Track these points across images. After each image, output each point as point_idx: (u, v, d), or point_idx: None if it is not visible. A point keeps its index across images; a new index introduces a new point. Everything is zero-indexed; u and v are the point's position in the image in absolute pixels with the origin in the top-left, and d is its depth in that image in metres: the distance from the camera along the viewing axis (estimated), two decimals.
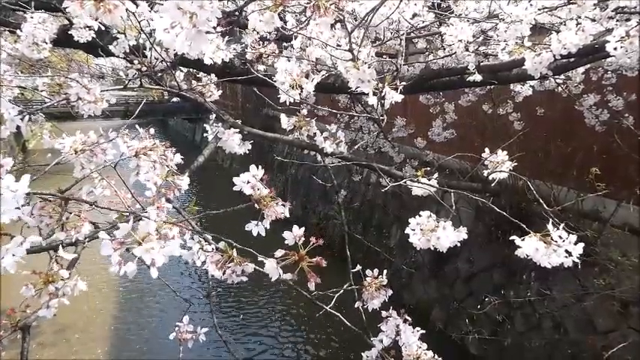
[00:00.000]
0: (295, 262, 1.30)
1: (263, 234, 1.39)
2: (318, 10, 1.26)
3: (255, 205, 1.42)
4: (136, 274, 1.09)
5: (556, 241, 1.38)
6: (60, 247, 1.29)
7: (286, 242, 1.33)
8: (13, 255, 1.05)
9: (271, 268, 1.28)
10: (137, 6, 1.57)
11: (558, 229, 1.40)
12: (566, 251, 1.37)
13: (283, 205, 1.42)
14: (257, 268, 1.34)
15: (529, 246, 1.40)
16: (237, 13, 1.37)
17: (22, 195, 0.95)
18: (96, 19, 1.34)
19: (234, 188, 1.44)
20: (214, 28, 1.07)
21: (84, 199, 1.48)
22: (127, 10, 1.23)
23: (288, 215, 1.42)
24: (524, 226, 1.54)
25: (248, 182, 1.41)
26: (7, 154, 1.26)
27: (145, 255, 1.05)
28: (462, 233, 1.61)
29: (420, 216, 1.62)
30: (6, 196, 0.92)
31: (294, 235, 1.32)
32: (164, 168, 1.49)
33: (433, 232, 1.57)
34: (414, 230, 1.62)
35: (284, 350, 7.37)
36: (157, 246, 1.07)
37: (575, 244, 1.37)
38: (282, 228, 1.40)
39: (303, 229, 1.32)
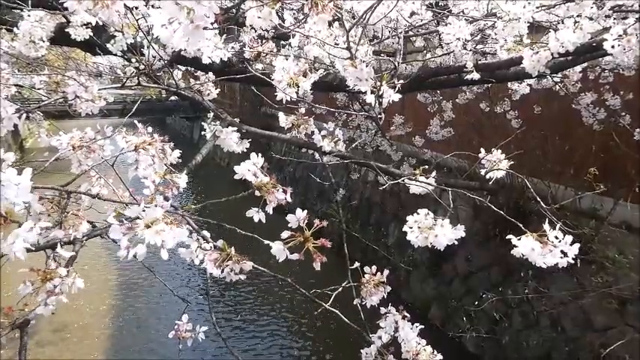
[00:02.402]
0: (300, 244, 1.31)
1: (264, 221, 1.39)
2: (316, 7, 1.26)
3: (257, 193, 1.42)
4: (133, 273, 1.09)
5: (552, 242, 1.38)
6: (58, 245, 1.29)
7: (289, 225, 1.33)
8: (24, 241, 1.04)
9: (278, 249, 1.30)
10: (134, 7, 1.57)
11: (555, 228, 1.40)
12: (562, 252, 1.37)
13: (284, 192, 1.43)
14: (256, 266, 1.34)
15: (525, 246, 1.40)
16: (234, 8, 1.37)
17: (24, 188, 0.95)
18: (94, 15, 1.34)
19: (236, 177, 1.45)
20: (212, 24, 1.07)
21: (85, 192, 1.48)
22: (125, 6, 1.23)
23: (290, 200, 1.43)
24: (522, 226, 1.54)
25: (249, 170, 1.42)
26: (5, 152, 1.25)
27: (155, 237, 1.06)
28: (460, 231, 1.61)
29: (417, 214, 1.62)
30: (12, 188, 0.92)
31: (298, 218, 1.32)
32: (162, 164, 1.49)
33: (431, 230, 1.57)
34: (411, 228, 1.62)
35: (281, 347, 7.39)
36: (167, 227, 1.07)
37: (572, 244, 1.37)
38: (281, 225, 1.40)
39: (306, 211, 1.33)
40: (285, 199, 1.39)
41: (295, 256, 1.27)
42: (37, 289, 1.22)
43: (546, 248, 1.38)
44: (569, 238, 1.38)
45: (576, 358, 5.55)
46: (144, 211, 1.08)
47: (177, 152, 1.56)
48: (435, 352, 1.57)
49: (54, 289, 1.21)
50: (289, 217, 1.32)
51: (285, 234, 1.30)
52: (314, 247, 1.30)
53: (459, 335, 6.89)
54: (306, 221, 1.31)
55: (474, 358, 6.60)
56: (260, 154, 1.46)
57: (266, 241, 1.31)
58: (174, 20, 1.05)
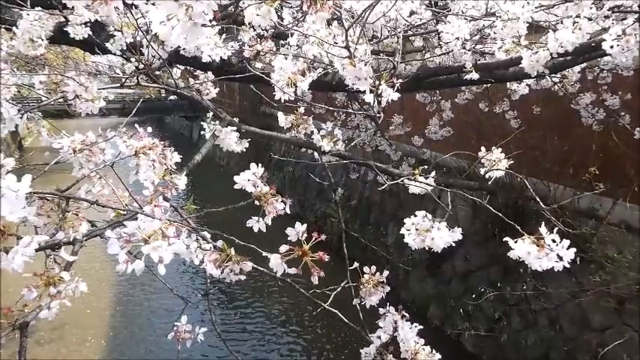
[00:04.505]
0: (298, 257, 1.31)
1: (264, 230, 1.40)
2: (315, 4, 1.26)
3: (256, 202, 1.43)
4: (133, 272, 1.09)
5: (549, 245, 1.38)
6: (59, 246, 1.29)
7: (289, 239, 1.34)
8: (22, 255, 1.06)
9: (276, 263, 1.30)
10: (133, 6, 1.57)
11: (553, 230, 1.40)
12: (558, 255, 1.37)
13: (283, 202, 1.43)
14: (255, 266, 1.35)
15: (521, 249, 1.40)
16: (232, 4, 1.37)
17: (23, 198, 0.96)
18: (94, 12, 1.34)
19: (235, 186, 1.46)
20: (210, 21, 1.07)
21: (83, 198, 1.48)
22: (124, 3, 1.23)
23: (288, 211, 1.43)
24: (519, 228, 1.54)
25: (248, 180, 1.43)
26: (3, 152, 1.26)
27: (153, 253, 1.06)
28: (457, 234, 1.61)
29: (415, 216, 1.63)
30: (10, 196, 0.93)
31: (297, 231, 1.33)
32: (163, 167, 1.49)
33: (428, 233, 1.58)
34: (409, 230, 1.62)
35: (281, 348, 7.39)
36: (165, 243, 1.07)
37: (568, 248, 1.37)
38: (280, 225, 1.40)
39: (305, 225, 1.33)
40: (284, 209, 1.40)
41: (293, 271, 1.27)
42: (41, 293, 1.22)
43: (542, 252, 1.38)
44: (566, 241, 1.38)
45: (574, 358, 5.56)
46: (140, 227, 1.08)
47: (177, 156, 1.56)
48: (434, 351, 1.57)
49: (57, 294, 1.21)
50: (289, 230, 1.32)
51: (283, 248, 1.30)
52: (312, 261, 1.30)
53: (458, 334, 6.90)
54: (305, 235, 1.32)
55: (472, 357, 6.61)
56: (259, 154, 1.46)
57: (265, 253, 1.31)
58: (173, 17, 1.05)
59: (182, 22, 1.06)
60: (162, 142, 1.52)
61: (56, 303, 1.22)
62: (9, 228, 1.05)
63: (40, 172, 1.39)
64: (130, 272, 1.09)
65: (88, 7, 1.22)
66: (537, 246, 1.39)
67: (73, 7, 1.67)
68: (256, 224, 1.39)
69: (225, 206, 1.60)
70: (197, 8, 1.04)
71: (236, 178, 1.43)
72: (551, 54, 2.14)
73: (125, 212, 1.42)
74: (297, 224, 1.32)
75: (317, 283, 1.31)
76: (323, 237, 1.33)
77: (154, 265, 1.09)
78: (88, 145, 1.53)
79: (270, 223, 1.41)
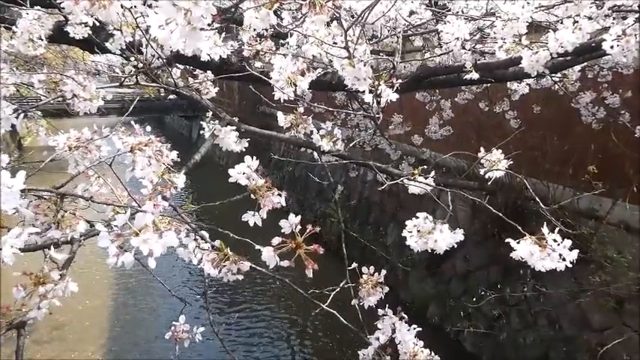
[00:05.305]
0: (292, 250, 1.30)
1: (259, 224, 1.39)
2: (314, 7, 1.25)
3: (252, 196, 1.42)
4: (132, 272, 1.09)
5: (551, 245, 1.38)
6: (53, 246, 1.29)
7: (282, 231, 1.32)
8: (11, 247, 1.05)
9: (268, 256, 1.29)
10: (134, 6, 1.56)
11: (553, 230, 1.40)
12: (561, 255, 1.37)
13: (279, 195, 1.42)
14: (253, 266, 1.34)
15: (524, 250, 1.40)
16: (232, 9, 1.37)
17: (17, 191, 0.95)
18: (91, 16, 1.34)
19: (230, 180, 1.45)
20: (209, 25, 1.07)
21: (77, 195, 1.47)
22: (122, 6, 1.22)
23: (284, 204, 1.42)
24: (520, 228, 1.53)
25: (243, 173, 1.42)
26: (2, 151, 1.26)
27: (143, 245, 1.05)
28: (459, 235, 1.61)
29: (416, 217, 1.62)
30: (4, 191, 0.92)
31: (291, 223, 1.31)
32: (160, 164, 1.48)
33: (430, 235, 1.57)
34: (411, 232, 1.62)
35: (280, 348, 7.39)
36: (155, 236, 1.06)
37: (570, 249, 1.37)
38: (278, 223, 1.39)
39: (299, 217, 1.32)
40: (280, 202, 1.39)
41: (285, 263, 1.26)
42: (31, 292, 1.21)
43: (545, 252, 1.38)
44: (568, 241, 1.37)
45: (574, 357, 5.56)
46: (133, 219, 1.07)
47: (174, 153, 1.56)
48: (433, 353, 1.56)
49: (46, 294, 1.21)
50: (282, 222, 1.31)
51: (276, 240, 1.29)
52: (306, 254, 1.28)
53: (457, 333, 6.90)
54: (299, 227, 1.30)
55: (472, 357, 6.61)
56: (259, 154, 1.45)
57: (257, 246, 1.30)
58: (172, 21, 1.04)
59: (181, 26, 1.05)
60: (158, 139, 1.51)
61: (45, 303, 1.22)
62: (3, 222, 1.05)
63: (35, 170, 1.38)
64: (125, 268, 1.08)
65: (85, 10, 1.22)
66: (539, 246, 1.39)
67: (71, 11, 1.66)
68: (252, 218, 1.38)
69: (223, 200, 1.60)
70: (196, 12, 1.04)
71: (230, 171, 1.41)
72: (551, 54, 2.14)
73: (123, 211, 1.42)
74: (291, 216, 1.30)
75: (311, 276, 1.29)
76: (317, 229, 1.31)
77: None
78: (83, 143, 1.53)
79: (265, 217, 1.40)
